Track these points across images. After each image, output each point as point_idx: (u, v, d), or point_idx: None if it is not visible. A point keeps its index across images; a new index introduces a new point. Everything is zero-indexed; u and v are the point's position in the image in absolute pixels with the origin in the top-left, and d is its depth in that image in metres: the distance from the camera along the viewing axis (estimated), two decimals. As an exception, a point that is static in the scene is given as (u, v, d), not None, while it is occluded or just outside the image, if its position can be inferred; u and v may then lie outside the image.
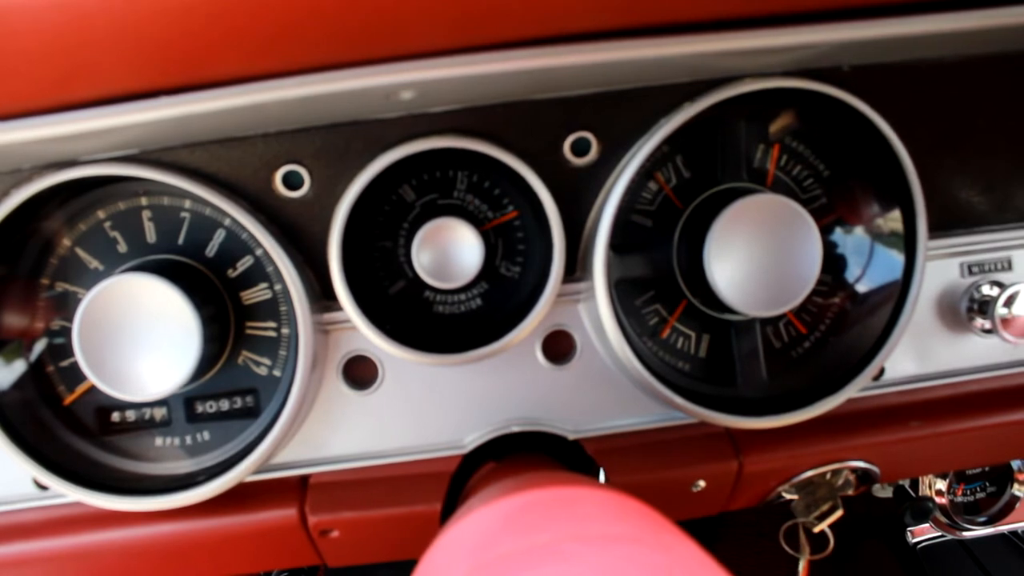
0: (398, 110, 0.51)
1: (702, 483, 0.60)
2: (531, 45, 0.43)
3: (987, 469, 0.98)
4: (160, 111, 0.42)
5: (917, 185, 0.55)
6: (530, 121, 0.53)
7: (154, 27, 0.38)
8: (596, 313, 0.55)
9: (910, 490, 0.95)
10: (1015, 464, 0.99)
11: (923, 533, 1.04)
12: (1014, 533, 1.07)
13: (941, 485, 0.94)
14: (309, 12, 0.38)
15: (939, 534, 1.02)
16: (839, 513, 0.64)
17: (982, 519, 0.97)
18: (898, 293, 0.57)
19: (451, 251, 0.54)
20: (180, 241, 0.58)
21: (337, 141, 0.52)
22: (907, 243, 0.57)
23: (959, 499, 0.96)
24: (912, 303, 0.56)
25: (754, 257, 0.53)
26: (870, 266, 0.59)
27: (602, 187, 0.55)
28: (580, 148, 0.54)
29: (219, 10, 0.38)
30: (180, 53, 0.40)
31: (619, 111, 0.53)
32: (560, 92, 0.52)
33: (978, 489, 0.98)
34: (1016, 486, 1.00)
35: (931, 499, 0.92)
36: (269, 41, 0.38)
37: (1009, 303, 0.59)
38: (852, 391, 0.56)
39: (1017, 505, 0.99)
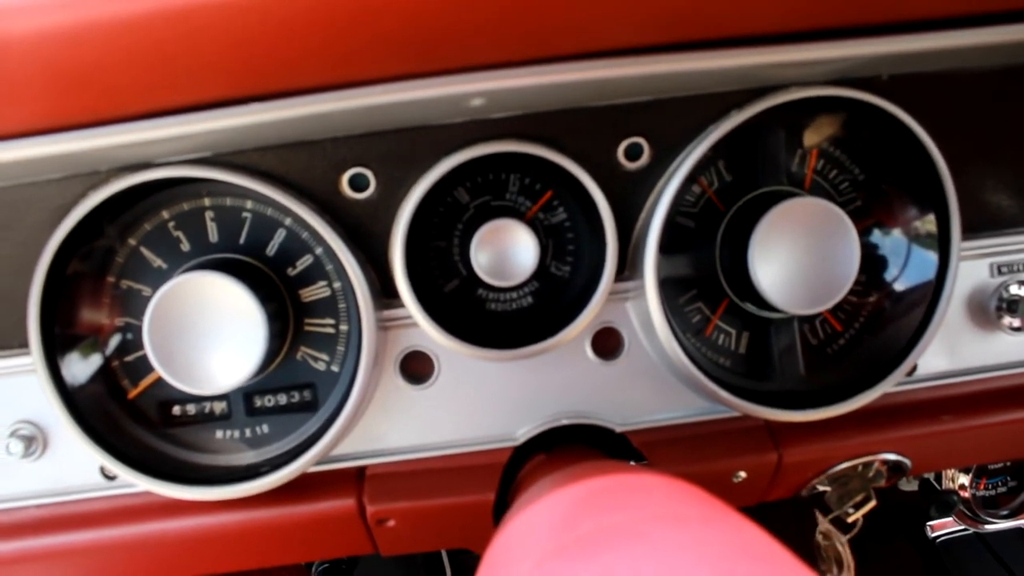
0: (462, 116, 0.53)
1: (743, 474, 0.62)
2: (593, 57, 0.46)
3: (1008, 464, 1.00)
4: (248, 117, 0.44)
5: (952, 190, 0.57)
6: (586, 127, 0.55)
7: (250, 39, 0.40)
8: (644, 311, 0.57)
9: (935, 483, 0.98)
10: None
11: (941, 527, 1.06)
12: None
13: (964, 480, 0.96)
14: (399, 26, 0.40)
15: (956, 528, 1.05)
16: (872, 504, 0.66)
17: (1004, 512, 0.99)
18: (931, 293, 0.60)
19: (508, 251, 0.56)
20: (242, 240, 0.60)
21: (402, 145, 0.54)
22: (941, 245, 0.59)
23: (980, 493, 0.99)
24: (945, 302, 0.59)
25: (796, 258, 0.56)
26: (904, 267, 0.62)
27: (652, 190, 0.57)
28: (633, 153, 0.57)
29: (313, 23, 0.40)
30: (272, 63, 0.42)
31: (670, 118, 0.56)
32: (615, 99, 0.55)
33: (1000, 484, 1.01)
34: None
35: (955, 493, 0.94)
36: (362, 51, 0.40)
37: (1037, 302, 0.62)
38: (887, 386, 0.59)
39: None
